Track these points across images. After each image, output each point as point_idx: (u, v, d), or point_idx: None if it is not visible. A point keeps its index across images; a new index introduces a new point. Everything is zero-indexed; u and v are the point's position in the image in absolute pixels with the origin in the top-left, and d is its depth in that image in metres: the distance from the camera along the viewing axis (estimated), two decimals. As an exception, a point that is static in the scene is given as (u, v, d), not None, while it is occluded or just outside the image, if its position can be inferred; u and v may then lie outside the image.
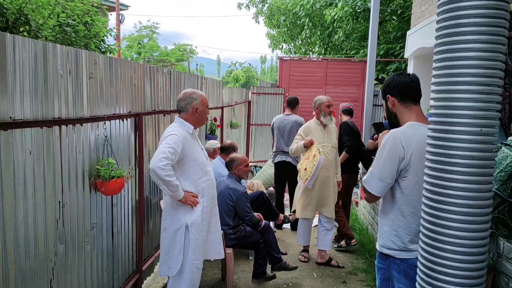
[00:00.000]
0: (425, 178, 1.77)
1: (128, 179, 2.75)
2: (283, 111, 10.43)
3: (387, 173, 2.00)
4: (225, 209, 3.64)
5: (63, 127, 2.29)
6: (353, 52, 15.36)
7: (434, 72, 1.72)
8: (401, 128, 2.05)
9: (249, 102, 9.28)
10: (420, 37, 6.53)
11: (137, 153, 3.37)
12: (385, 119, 5.11)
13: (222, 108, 6.94)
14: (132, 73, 3.24)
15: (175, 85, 4.39)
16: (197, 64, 50.24)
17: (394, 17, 15.42)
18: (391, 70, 13.28)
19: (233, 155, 4.04)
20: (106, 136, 2.74)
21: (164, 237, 2.93)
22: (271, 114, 9.87)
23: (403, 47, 13.01)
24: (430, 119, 1.76)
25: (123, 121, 3.08)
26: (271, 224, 4.72)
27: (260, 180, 6.76)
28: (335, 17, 13.27)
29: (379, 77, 15.06)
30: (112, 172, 2.60)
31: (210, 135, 6.04)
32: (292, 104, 5.45)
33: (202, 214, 2.87)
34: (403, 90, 2.14)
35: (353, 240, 4.88)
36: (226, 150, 4.97)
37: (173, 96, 4.31)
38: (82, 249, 2.54)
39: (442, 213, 1.66)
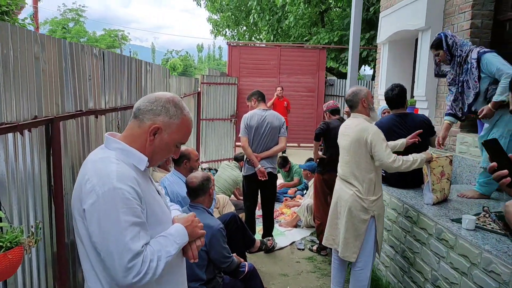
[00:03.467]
0: None
1: (32, 246, 1.48)
2: (237, 104, 9.35)
3: None
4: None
5: None
6: (303, 39, 14.56)
7: None
8: None
9: (199, 93, 8.02)
10: (399, 19, 5.72)
11: (53, 184, 2.08)
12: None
13: (170, 101, 5.65)
14: (39, 50, 1.94)
15: (112, 72, 3.10)
16: (130, 52, 47.44)
17: (339, 4, 14.83)
18: (345, 58, 12.66)
19: (202, 174, 2.83)
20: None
21: None
22: (223, 107, 8.70)
23: (357, 34, 12.45)
24: None
25: (22, 134, 1.78)
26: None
27: (217, 190, 5.59)
28: (287, 0, 12.30)
29: (328, 66, 14.48)
30: (-3, 239, 1.34)
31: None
32: (264, 97, 4.36)
33: None
34: None
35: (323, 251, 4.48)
36: (177, 160, 3.51)
37: (108, 88, 3.02)
38: None
39: None
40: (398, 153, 2.99)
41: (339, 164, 3.15)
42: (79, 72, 2.47)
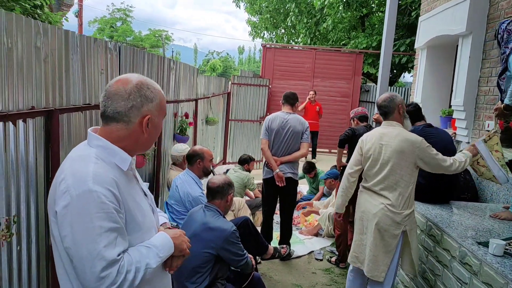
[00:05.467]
0: None
1: (6, 240, 1.42)
2: (268, 107, 9.21)
3: None
4: (200, 262, 2.36)
5: None
6: (341, 43, 14.23)
7: None
8: None
9: (229, 94, 7.97)
10: (439, 23, 5.39)
11: (51, 177, 2.04)
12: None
13: (196, 100, 5.61)
14: (40, 40, 1.90)
15: (128, 67, 3.07)
16: (172, 51, 48.57)
17: (382, 9, 14.38)
18: (384, 64, 12.24)
19: (225, 178, 2.71)
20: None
21: None
22: (253, 108, 8.61)
23: (397, 39, 11.99)
24: None
25: (15, 125, 1.75)
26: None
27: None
28: (325, 3, 12.05)
29: (365, 72, 14.04)
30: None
31: (180, 135, 4.73)
32: (292, 100, 4.17)
33: None
34: None
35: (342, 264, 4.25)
36: (191, 159, 3.49)
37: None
38: None
39: None
40: None
41: (366, 174, 2.88)
42: (89, 65, 2.44)
